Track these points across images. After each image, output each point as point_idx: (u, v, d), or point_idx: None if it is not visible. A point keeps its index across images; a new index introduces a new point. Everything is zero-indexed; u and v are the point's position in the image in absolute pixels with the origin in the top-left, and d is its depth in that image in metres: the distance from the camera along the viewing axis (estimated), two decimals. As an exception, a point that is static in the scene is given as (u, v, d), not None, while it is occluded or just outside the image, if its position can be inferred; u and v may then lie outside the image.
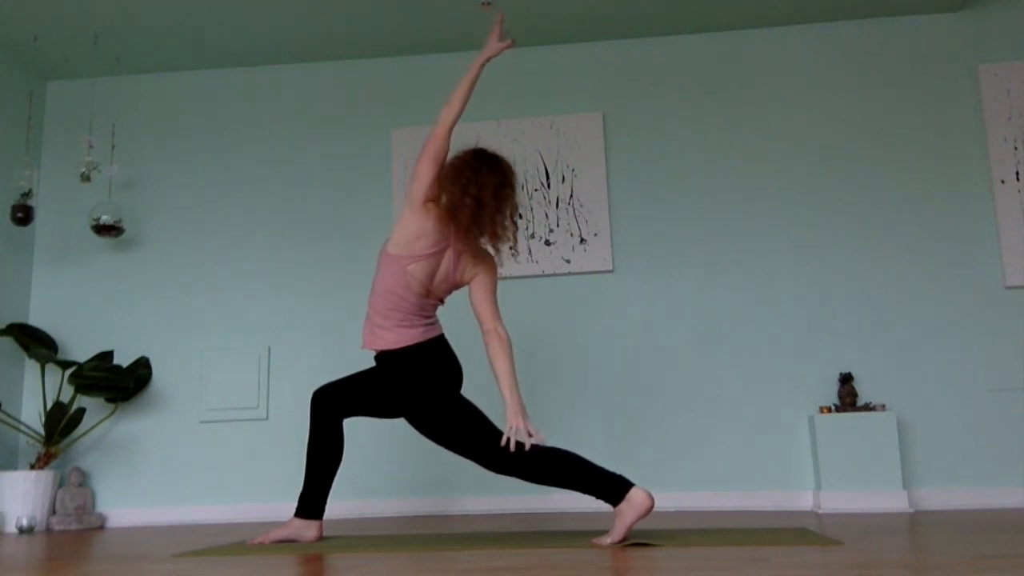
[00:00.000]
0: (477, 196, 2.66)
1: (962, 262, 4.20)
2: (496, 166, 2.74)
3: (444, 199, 2.72)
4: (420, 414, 2.77)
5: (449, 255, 2.77)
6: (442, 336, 2.84)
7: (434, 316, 2.86)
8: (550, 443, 2.74)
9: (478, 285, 2.80)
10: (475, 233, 2.71)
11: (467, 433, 2.73)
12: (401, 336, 2.75)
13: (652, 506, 2.56)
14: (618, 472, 2.66)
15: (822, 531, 2.81)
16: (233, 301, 4.52)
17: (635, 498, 2.56)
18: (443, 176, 2.73)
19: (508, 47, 2.97)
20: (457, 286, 2.85)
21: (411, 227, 2.73)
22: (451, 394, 2.78)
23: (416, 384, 2.75)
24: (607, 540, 2.53)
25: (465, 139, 4.56)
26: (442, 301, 2.88)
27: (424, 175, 2.72)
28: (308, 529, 2.86)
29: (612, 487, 2.60)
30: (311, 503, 2.87)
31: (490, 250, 2.81)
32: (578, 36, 4.56)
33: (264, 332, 4.46)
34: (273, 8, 4.20)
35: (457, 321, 3.05)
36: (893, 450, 3.82)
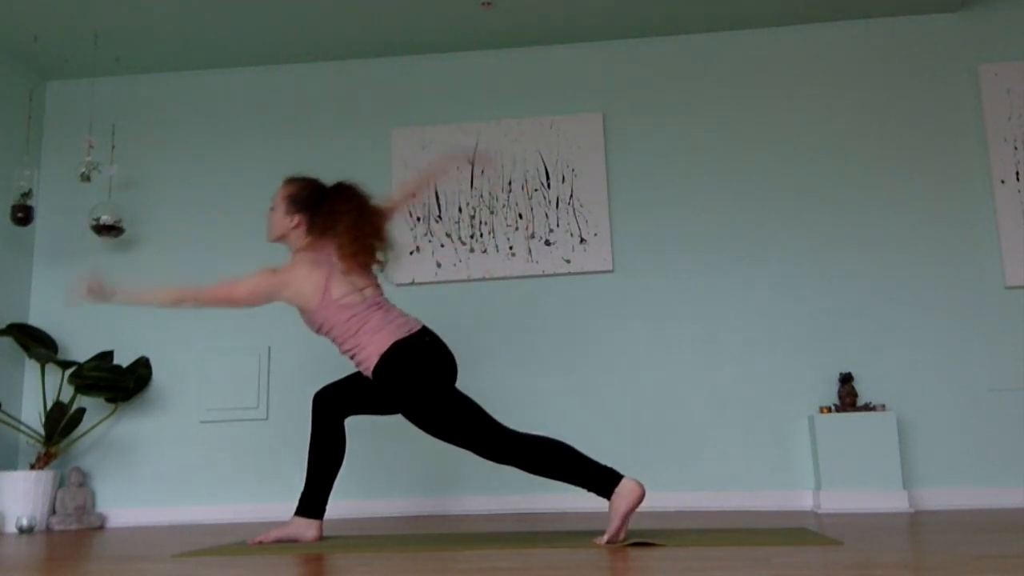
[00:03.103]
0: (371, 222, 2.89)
1: (962, 262, 4.20)
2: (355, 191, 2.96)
3: (342, 235, 2.81)
4: (418, 410, 2.77)
5: (329, 252, 2.84)
6: (422, 331, 2.80)
7: (392, 308, 2.84)
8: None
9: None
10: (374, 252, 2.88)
11: (464, 425, 2.71)
12: (378, 343, 2.73)
13: (643, 494, 2.57)
14: (621, 471, 2.66)
15: (822, 531, 2.81)
16: (233, 301, 4.52)
17: (625, 489, 2.57)
18: (329, 214, 2.86)
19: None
20: (349, 254, 2.82)
21: (308, 280, 2.79)
22: (447, 388, 2.77)
23: (411, 383, 2.74)
24: (606, 537, 2.54)
25: (465, 139, 4.59)
26: (376, 285, 2.89)
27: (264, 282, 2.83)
28: (308, 529, 2.86)
29: (603, 479, 2.61)
30: (312, 503, 2.87)
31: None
32: (578, 36, 4.56)
33: (264, 332, 4.46)
34: (273, 8, 4.20)
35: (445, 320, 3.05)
36: (893, 450, 3.82)
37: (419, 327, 2.81)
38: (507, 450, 2.67)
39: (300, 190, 2.94)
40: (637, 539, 2.54)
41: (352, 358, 2.81)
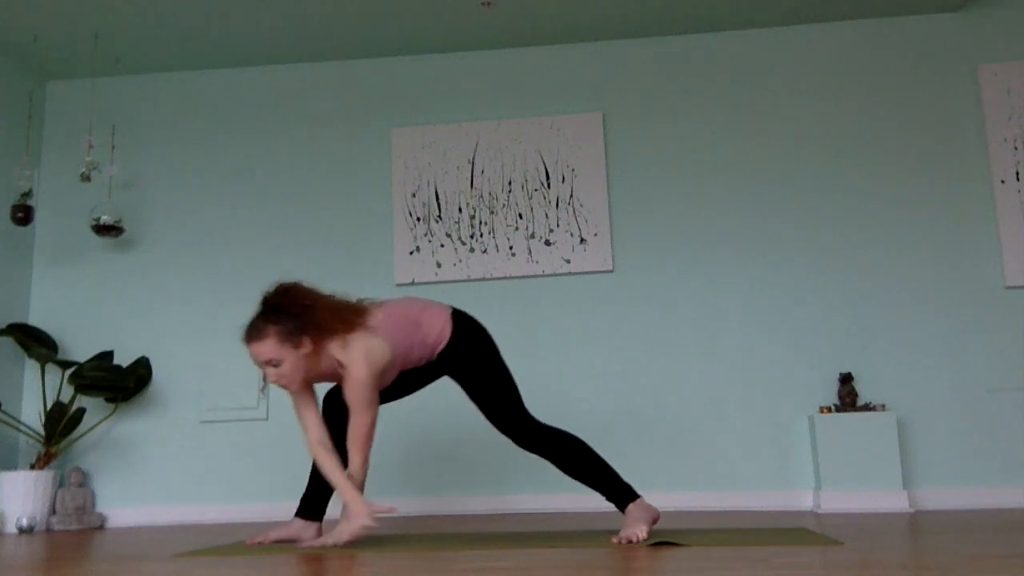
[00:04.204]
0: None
1: (962, 262, 4.20)
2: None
3: (328, 319, 2.63)
4: (488, 372, 2.74)
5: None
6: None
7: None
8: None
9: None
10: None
11: (514, 393, 2.74)
12: (437, 317, 2.73)
13: (659, 516, 2.65)
14: (620, 472, 2.71)
15: (822, 531, 2.81)
16: (233, 301, 4.52)
17: (645, 504, 2.64)
18: (307, 313, 2.62)
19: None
20: (345, 328, 2.66)
21: (369, 336, 2.64)
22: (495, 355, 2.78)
23: (484, 343, 2.77)
24: (637, 536, 2.53)
25: (465, 139, 4.60)
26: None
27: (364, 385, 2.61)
28: (307, 530, 2.86)
29: (622, 493, 2.66)
30: (312, 505, 2.87)
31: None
32: (578, 36, 4.56)
33: (264, 332, 4.45)
34: (273, 8, 4.20)
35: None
36: (893, 450, 3.82)
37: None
38: (539, 439, 2.69)
39: (282, 323, 2.59)
40: (661, 538, 2.53)
41: (426, 351, 2.72)
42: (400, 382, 2.81)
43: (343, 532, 2.57)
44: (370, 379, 2.57)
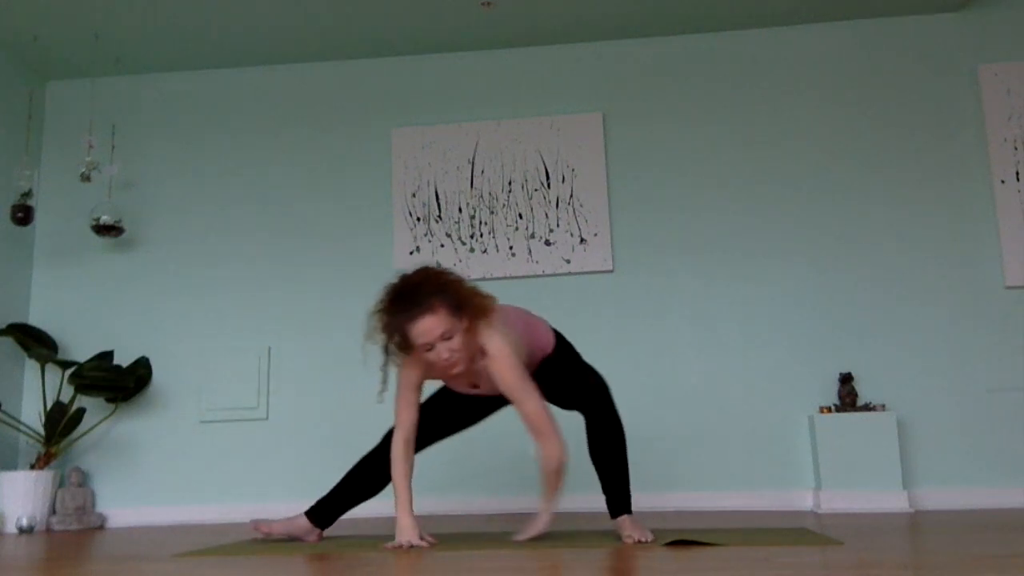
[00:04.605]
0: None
1: (962, 262, 4.20)
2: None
3: (465, 295, 2.53)
4: (582, 365, 2.87)
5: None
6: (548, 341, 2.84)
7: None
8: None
9: None
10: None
11: (606, 395, 2.81)
12: (541, 325, 2.81)
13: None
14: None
15: (822, 531, 2.81)
16: (233, 301, 4.52)
17: (635, 519, 2.66)
18: (453, 289, 2.50)
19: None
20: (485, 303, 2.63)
21: (508, 330, 2.59)
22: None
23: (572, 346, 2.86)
24: (646, 537, 2.53)
25: (465, 139, 4.60)
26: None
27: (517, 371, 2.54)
28: (310, 534, 2.85)
29: (625, 501, 2.69)
30: (326, 512, 2.85)
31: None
32: (578, 36, 4.56)
33: (264, 332, 4.46)
34: (273, 8, 4.20)
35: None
36: (893, 450, 3.82)
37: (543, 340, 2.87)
38: (589, 403, 2.74)
39: (441, 295, 2.44)
40: (685, 537, 2.52)
41: (537, 355, 2.71)
42: (480, 403, 2.77)
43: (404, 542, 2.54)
44: (519, 363, 2.49)
